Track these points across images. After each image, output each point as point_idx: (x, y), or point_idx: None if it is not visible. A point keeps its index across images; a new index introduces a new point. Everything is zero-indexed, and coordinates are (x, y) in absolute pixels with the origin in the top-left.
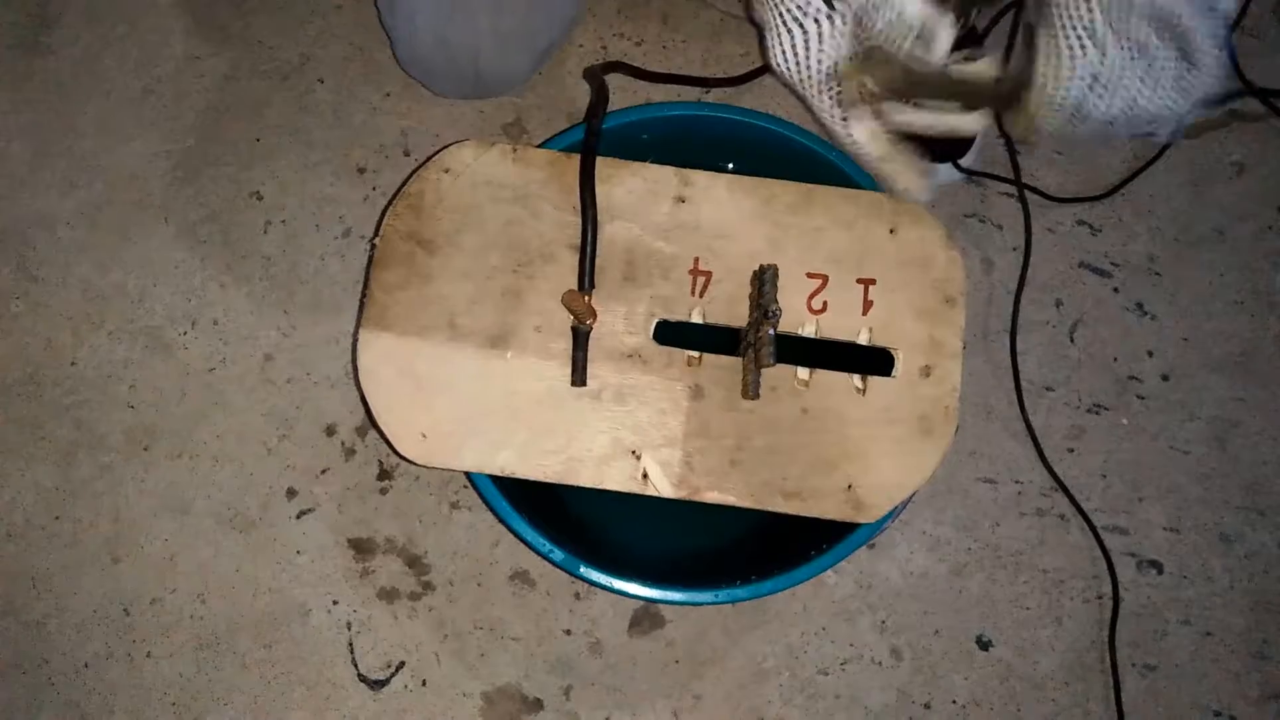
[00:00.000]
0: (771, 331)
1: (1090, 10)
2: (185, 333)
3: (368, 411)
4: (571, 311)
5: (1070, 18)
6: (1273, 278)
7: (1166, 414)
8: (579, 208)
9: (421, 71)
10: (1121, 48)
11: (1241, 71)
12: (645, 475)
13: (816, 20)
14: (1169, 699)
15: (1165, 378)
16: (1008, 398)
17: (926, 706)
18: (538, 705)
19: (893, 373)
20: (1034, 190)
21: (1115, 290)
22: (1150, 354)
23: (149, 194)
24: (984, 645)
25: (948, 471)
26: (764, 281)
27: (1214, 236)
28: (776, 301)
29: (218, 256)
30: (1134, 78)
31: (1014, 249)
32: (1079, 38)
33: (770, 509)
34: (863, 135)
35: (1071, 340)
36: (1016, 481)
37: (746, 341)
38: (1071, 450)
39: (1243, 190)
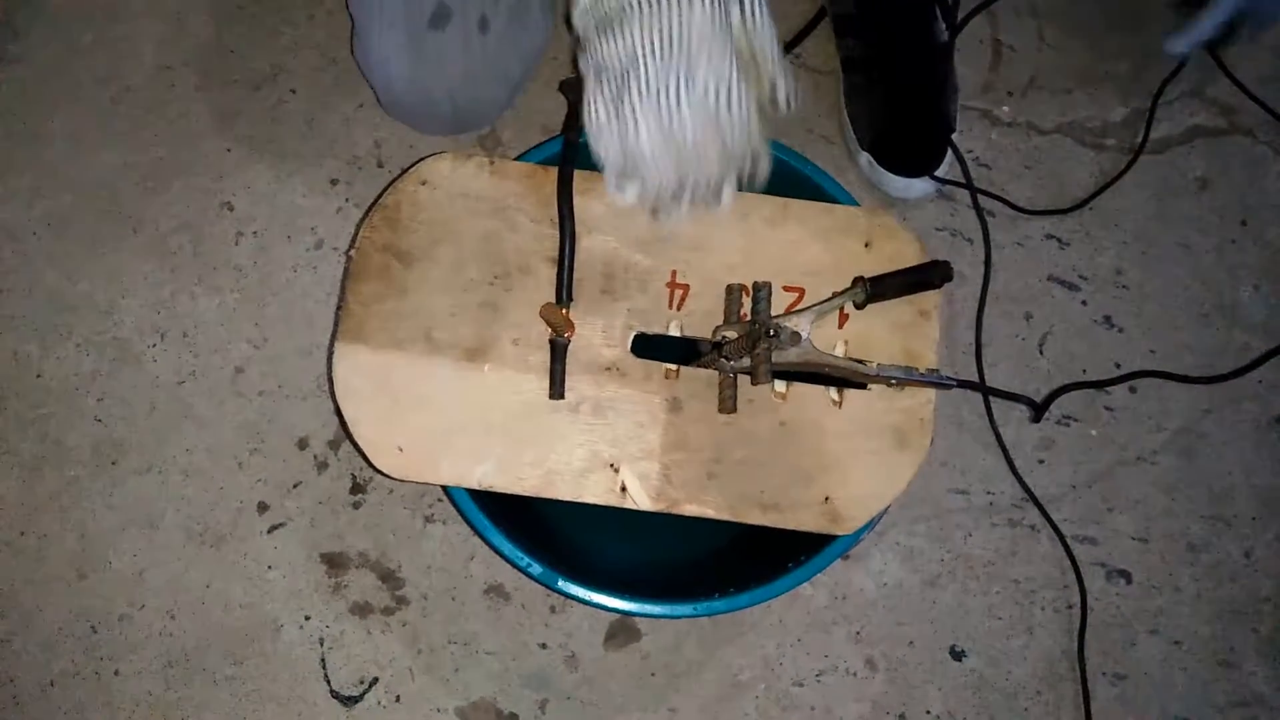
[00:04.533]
0: (769, 349)
1: None
2: (154, 345)
3: (343, 425)
4: (549, 324)
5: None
6: (1236, 291)
7: (1134, 425)
8: (556, 220)
9: (402, 115)
10: None
11: None
12: (624, 488)
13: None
14: (1138, 707)
15: (1133, 390)
16: (979, 409)
17: (901, 717)
18: None
19: (868, 386)
20: (1001, 200)
21: (1083, 303)
22: (1118, 366)
23: (118, 204)
24: (957, 655)
25: (920, 483)
26: (758, 300)
27: (1179, 250)
28: (772, 319)
29: (188, 268)
30: None
31: (984, 262)
32: None
33: (748, 521)
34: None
35: (1041, 352)
36: (988, 492)
37: (723, 356)
38: (1041, 461)
39: (1206, 205)
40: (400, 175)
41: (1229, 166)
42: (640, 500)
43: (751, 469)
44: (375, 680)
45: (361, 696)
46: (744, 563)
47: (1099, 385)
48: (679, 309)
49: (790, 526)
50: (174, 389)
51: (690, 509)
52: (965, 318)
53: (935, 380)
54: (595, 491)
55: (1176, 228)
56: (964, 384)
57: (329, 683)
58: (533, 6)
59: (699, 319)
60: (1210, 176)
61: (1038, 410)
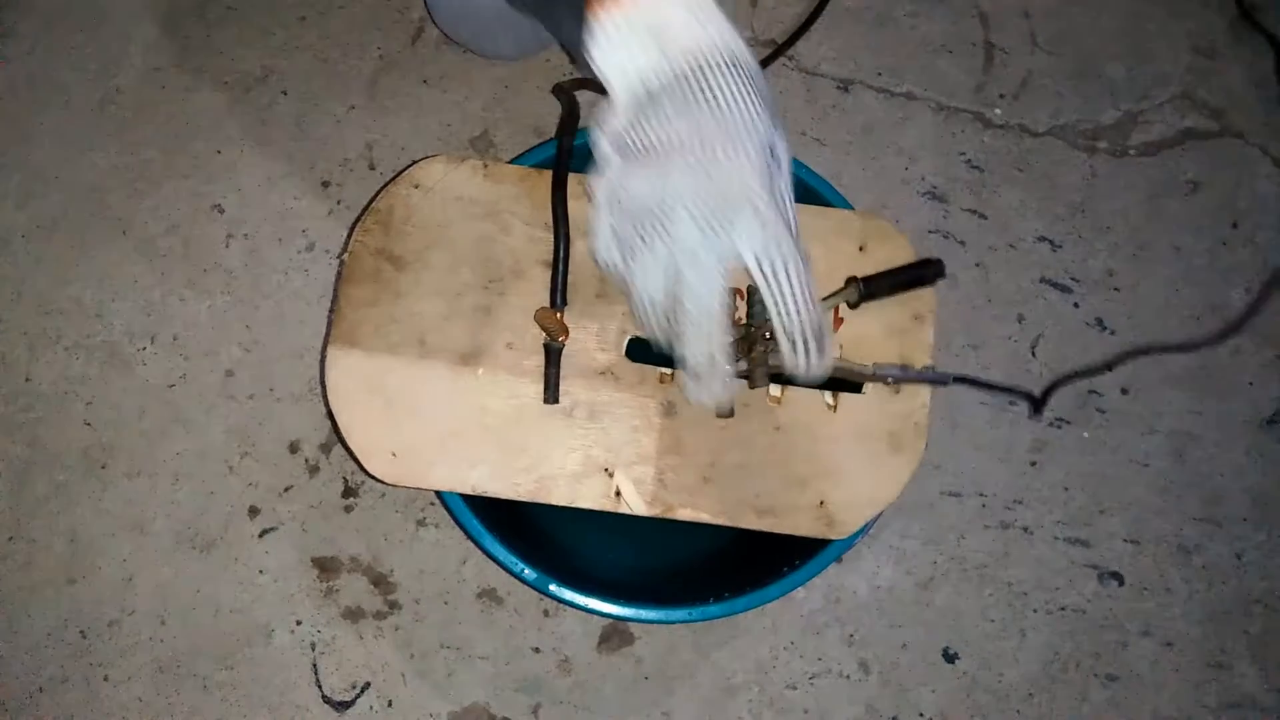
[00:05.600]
0: (765, 352)
1: None
2: (144, 348)
3: (336, 430)
4: (544, 328)
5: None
6: (1228, 292)
7: (1126, 427)
8: (551, 224)
9: (472, 30)
10: None
11: None
12: (618, 493)
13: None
14: (1130, 709)
15: (1125, 391)
16: (971, 412)
17: None
18: None
19: (863, 389)
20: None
21: (1075, 305)
22: (1110, 369)
23: (108, 206)
24: (950, 658)
25: (913, 486)
26: (754, 303)
27: (1170, 252)
28: (768, 322)
29: (178, 270)
30: None
31: (976, 265)
32: None
33: (743, 526)
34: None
35: (1033, 354)
36: (981, 495)
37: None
38: (1034, 464)
39: (1197, 207)
40: (393, 178)
41: (1219, 169)
42: (635, 505)
43: (746, 473)
44: (367, 685)
45: (353, 702)
46: (738, 567)
47: (1092, 373)
48: None
49: (785, 531)
50: (164, 392)
51: (685, 514)
52: (959, 320)
53: (932, 377)
54: (590, 496)
55: (1167, 230)
56: (960, 379)
57: (320, 688)
58: None
59: None
60: (1201, 179)
61: (1036, 404)
